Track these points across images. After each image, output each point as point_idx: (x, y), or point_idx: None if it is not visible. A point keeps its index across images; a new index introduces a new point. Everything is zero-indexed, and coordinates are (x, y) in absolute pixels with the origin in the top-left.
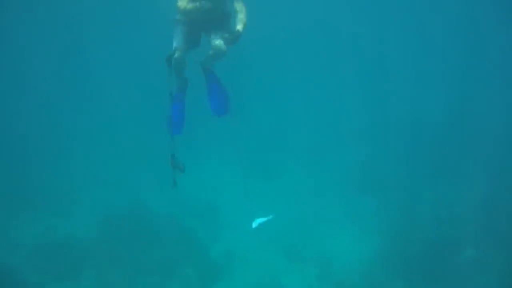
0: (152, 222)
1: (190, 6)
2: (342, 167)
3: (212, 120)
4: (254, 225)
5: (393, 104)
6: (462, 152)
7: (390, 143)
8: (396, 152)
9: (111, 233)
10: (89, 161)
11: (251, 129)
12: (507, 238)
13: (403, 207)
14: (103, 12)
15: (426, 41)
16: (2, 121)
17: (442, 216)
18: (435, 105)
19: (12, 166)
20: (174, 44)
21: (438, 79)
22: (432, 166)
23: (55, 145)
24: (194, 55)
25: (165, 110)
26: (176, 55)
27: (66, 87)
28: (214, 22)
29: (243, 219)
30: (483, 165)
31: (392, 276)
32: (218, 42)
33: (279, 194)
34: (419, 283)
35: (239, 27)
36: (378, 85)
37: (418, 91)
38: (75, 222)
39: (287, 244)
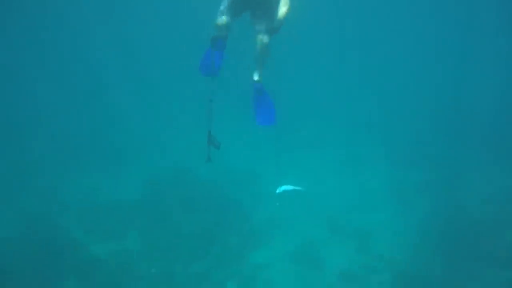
0: (195, 187)
1: None
2: (388, 140)
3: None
4: (278, 190)
5: (443, 84)
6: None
7: (439, 120)
8: (444, 129)
9: (155, 195)
10: (138, 124)
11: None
12: None
13: (448, 184)
14: None
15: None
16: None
17: (488, 197)
18: (485, 86)
19: (62, 127)
20: (221, 8)
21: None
22: (480, 145)
23: (104, 108)
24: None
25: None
26: (219, 21)
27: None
28: (260, 5)
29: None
30: None
31: (432, 253)
32: (260, 36)
33: (322, 164)
34: (459, 262)
35: (280, 14)
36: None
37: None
38: (121, 183)
39: (328, 215)
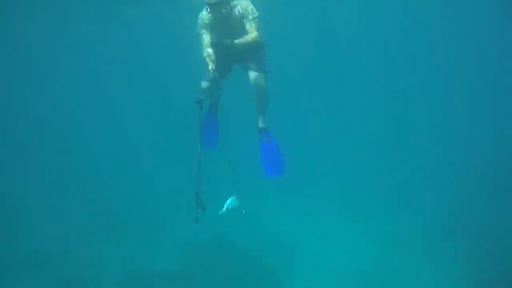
0: (232, 255)
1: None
2: (425, 210)
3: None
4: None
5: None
6: None
7: (473, 184)
8: (481, 194)
9: (191, 264)
10: (174, 192)
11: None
12: None
13: (487, 253)
14: None
15: None
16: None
17: None
18: None
19: (98, 195)
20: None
21: None
22: None
23: (139, 177)
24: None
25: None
26: (203, 84)
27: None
28: (242, 54)
29: (322, 259)
30: None
31: None
32: (255, 79)
33: (360, 234)
34: None
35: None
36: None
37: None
38: (157, 252)
39: (366, 286)
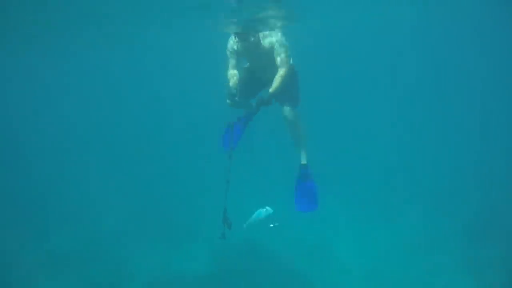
0: (264, 260)
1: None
2: (458, 214)
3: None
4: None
5: None
6: None
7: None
8: None
9: (223, 269)
10: (207, 196)
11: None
12: None
13: None
14: None
15: None
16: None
17: None
18: None
19: (135, 198)
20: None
21: None
22: None
23: (175, 180)
24: None
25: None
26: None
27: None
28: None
29: (354, 263)
30: None
31: None
32: (283, 109)
33: (391, 238)
34: None
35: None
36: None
37: None
38: (191, 256)
39: None
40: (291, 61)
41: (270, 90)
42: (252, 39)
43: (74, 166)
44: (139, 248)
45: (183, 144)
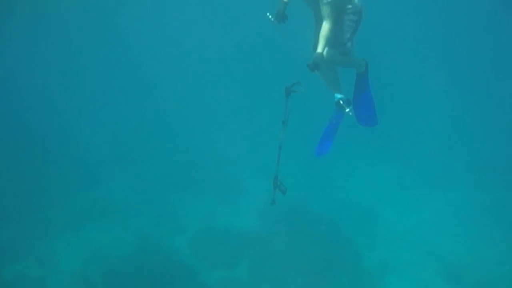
0: (311, 222)
1: None
2: None
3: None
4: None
5: None
6: None
7: None
8: None
9: (269, 227)
10: (258, 156)
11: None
12: None
13: None
14: None
15: None
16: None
17: None
18: None
19: (185, 151)
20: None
21: None
22: None
23: (226, 136)
24: None
25: None
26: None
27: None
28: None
29: (403, 230)
30: None
31: None
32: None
33: (446, 208)
34: None
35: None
36: None
37: None
38: (238, 212)
39: (447, 262)
40: (359, 2)
41: (318, 50)
42: None
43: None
44: (187, 201)
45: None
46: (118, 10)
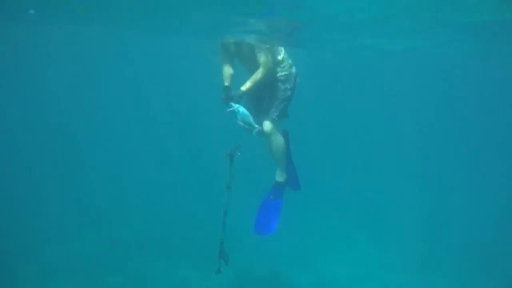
0: None
1: None
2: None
3: None
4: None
5: None
6: None
7: None
8: None
9: None
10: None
11: None
12: None
13: None
14: None
15: None
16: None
17: None
18: None
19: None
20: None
21: None
22: None
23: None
24: None
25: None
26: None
27: None
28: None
29: None
30: None
31: None
32: (265, 123)
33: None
34: None
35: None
36: None
37: None
38: (210, 279)
39: None
40: (294, 70)
41: (242, 87)
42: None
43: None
44: (159, 263)
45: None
46: None
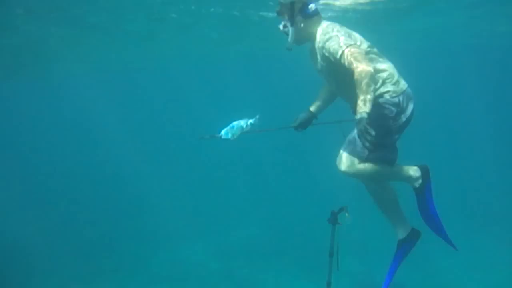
0: None
1: None
2: None
3: None
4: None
5: None
6: None
7: None
8: None
9: None
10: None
11: None
12: None
13: None
14: None
15: None
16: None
17: None
18: None
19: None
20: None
21: None
22: None
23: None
24: None
25: None
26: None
27: None
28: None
29: None
30: None
31: None
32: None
33: None
34: None
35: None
36: None
37: None
38: None
39: None
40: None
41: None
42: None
43: None
44: (268, 272)
45: None
46: None
